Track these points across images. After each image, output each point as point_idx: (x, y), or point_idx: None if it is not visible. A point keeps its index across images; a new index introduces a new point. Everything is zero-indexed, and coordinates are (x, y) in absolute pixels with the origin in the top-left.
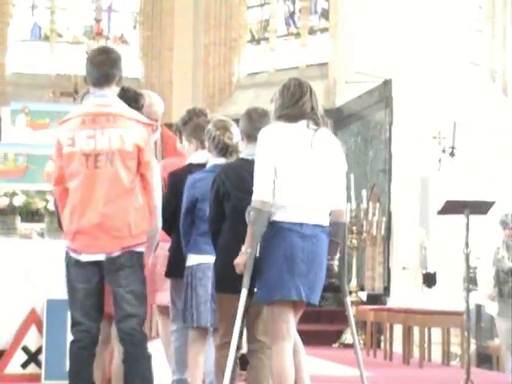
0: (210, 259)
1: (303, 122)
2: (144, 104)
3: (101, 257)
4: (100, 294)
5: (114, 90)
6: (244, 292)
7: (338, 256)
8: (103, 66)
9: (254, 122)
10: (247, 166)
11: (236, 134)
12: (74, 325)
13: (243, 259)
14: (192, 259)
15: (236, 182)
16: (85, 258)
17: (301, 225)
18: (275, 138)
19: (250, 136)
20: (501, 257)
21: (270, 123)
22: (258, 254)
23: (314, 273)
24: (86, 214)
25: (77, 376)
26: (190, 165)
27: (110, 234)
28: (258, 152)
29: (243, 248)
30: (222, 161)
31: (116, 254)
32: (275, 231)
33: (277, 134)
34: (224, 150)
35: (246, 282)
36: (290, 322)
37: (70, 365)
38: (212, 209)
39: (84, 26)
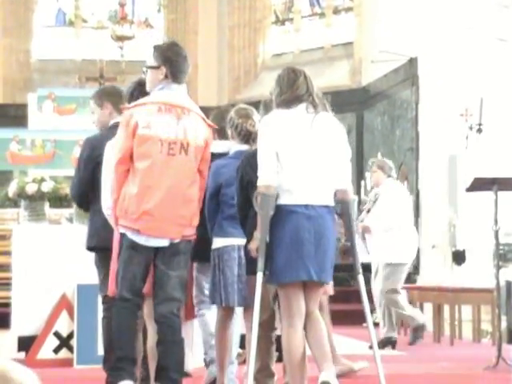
0: (234, 241)
1: (302, 107)
2: None
3: (165, 242)
4: (146, 277)
5: (184, 87)
6: (260, 275)
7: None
8: (186, 64)
9: (269, 111)
10: None
11: (258, 122)
12: (120, 300)
13: (255, 244)
14: (218, 242)
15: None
16: (148, 242)
17: (306, 206)
18: (275, 124)
19: None
20: None
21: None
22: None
23: (323, 252)
24: (157, 197)
25: (124, 340)
26: (212, 154)
27: (176, 222)
28: (259, 139)
29: (255, 233)
30: (245, 147)
31: (177, 240)
32: (281, 214)
33: (276, 121)
34: (247, 136)
35: (260, 265)
36: (301, 300)
37: (117, 332)
38: (238, 196)
39: (108, 10)
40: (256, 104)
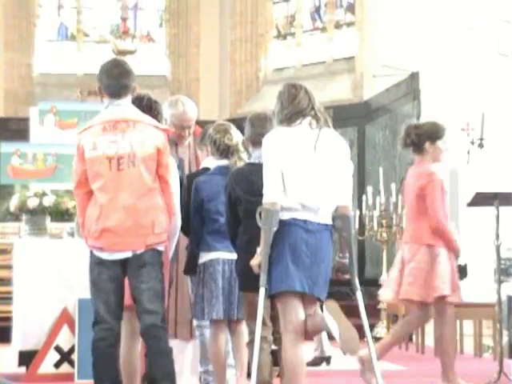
0: (219, 255)
1: (305, 122)
2: (160, 111)
3: (127, 254)
4: (122, 292)
5: (128, 99)
6: (262, 290)
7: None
8: (121, 78)
9: (256, 127)
10: (255, 169)
11: (236, 135)
12: (97, 323)
13: (258, 261)
14: (203, 257)
15: (246, 186)
16: (112, 256)
17: (305, 221)
18: (279, 142)
19: (255, 141)
20: None
21: (272, 127)
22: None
23: (317, 266)
24: (113, 213)
25: (105, 374)
26: (204, 169)
27: (135, 232)
28: (264, 157)
29: (258, 249)
30: (224, 162)
31: (141, 251)
32: (282, 229)
33: (280, 138)
34: (225, 151)
35: (262, 281)
36: (300, 314)
37: (96, 364)
38: (227, 214)
39: (110, 24)
40: None
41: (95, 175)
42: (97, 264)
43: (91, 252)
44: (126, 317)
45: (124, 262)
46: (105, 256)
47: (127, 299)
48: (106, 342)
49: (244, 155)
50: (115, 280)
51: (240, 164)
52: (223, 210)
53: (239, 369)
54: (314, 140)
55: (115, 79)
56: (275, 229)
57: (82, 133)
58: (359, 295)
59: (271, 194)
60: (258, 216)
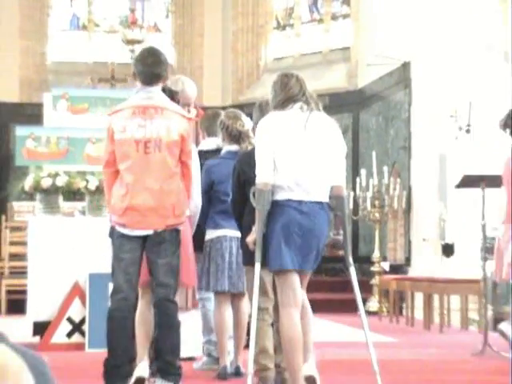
0: (226, 232)
1: (296, 106)
2: (179, 100)
3: (148, 232)
4: (139, 264)
5: (159, 88)
6: (257, 265)
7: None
8: (154, 67)
9: (264, 112)
10: None
11: (246, 122)
12: (115, 292)
13: (252, 238)
14: (210, 233)
15: (254, 169)
16: (133, 232)
17: (299, 202)
18: (271, 125)
19: None
20: None
21: None
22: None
23: (309, 245)
24: (139, 193)
25: (118, 343)
26: (201, 151)
27: (158, 213)
28: (257, 140)
29: (253, 227)
30: (235, 147)
31: (160, 230)
32: (276, 209)
33: (272, 122)
34: (237, 136)
35: (257, 256)
36: (297, 289)
37: (110, 333)
38: (234, 194)
39: (119, 15)
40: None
41: (123, 156)
42: (119, 237)
43: (113, 227)
44: (142, 292)
45: (144, 238)
46: (126, 232)
47: (144, 275)
48: (122, 313)
49: (253, 141)
50: (135, 252)
51: (250, 148)
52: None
53: (238, 340)
54: (304, 121)
55: (149, 67)
56: (268, 207)
57: (112, 115)
58: (352, 271)
59: (263, 174)
60: (251, 196)
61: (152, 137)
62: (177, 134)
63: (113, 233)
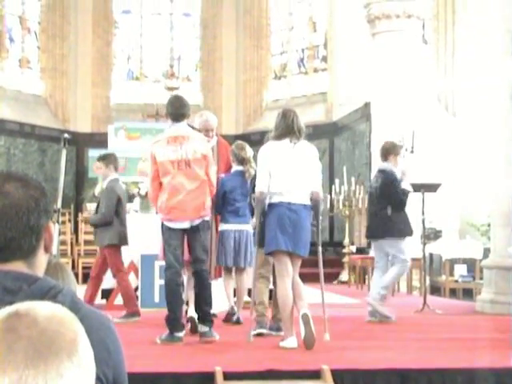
0: (232, 227)
1: (287, 140)
2: (200, 130)
3: (187, 224)
4: (183, 247)
5: (185, 123)
6: (256, 248)
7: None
8: (180, 109)
9: (265, 141)
10: None
11: (249, 151)
12: (168, 268)
13: (253, 223)
14: (223, 226)
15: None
16: (177, 225)
17: (289, 203)
18: (268, 151)
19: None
20: None
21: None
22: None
23: (298, 234)
24: (178, 197)
25: (174, 302)
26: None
27: (192, 209)
28: (258, 161)
29: (252, 220)
30: (240, 168)
31: (196, 221)
32: (272, 208)
33: (269, 149)
34: (242, 161)
35: (256, 241)
36: (288, 264)
37: (168, 296)
38: (251, 198)
39: (162, 70)
40: (261, 133)
41: (164, 172)
42: (167, 229)
43: (163, 223)
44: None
45: (184, 229)
46: (171, 225)
47: (186, 255)
48: (175, 282)
49: (254, 164)
50: (179, 239)
51: (251, 170)
52: (238, 199)
53: (239, 300)
54: (292, 147)
55: (177, 109)
56: (263, 207)
57: (153, 145)
58: (319, 250)
59: (260, 186)
60: (253, 201)
61: (182, 158)
62: (200, 154)
63: (163, 226)
